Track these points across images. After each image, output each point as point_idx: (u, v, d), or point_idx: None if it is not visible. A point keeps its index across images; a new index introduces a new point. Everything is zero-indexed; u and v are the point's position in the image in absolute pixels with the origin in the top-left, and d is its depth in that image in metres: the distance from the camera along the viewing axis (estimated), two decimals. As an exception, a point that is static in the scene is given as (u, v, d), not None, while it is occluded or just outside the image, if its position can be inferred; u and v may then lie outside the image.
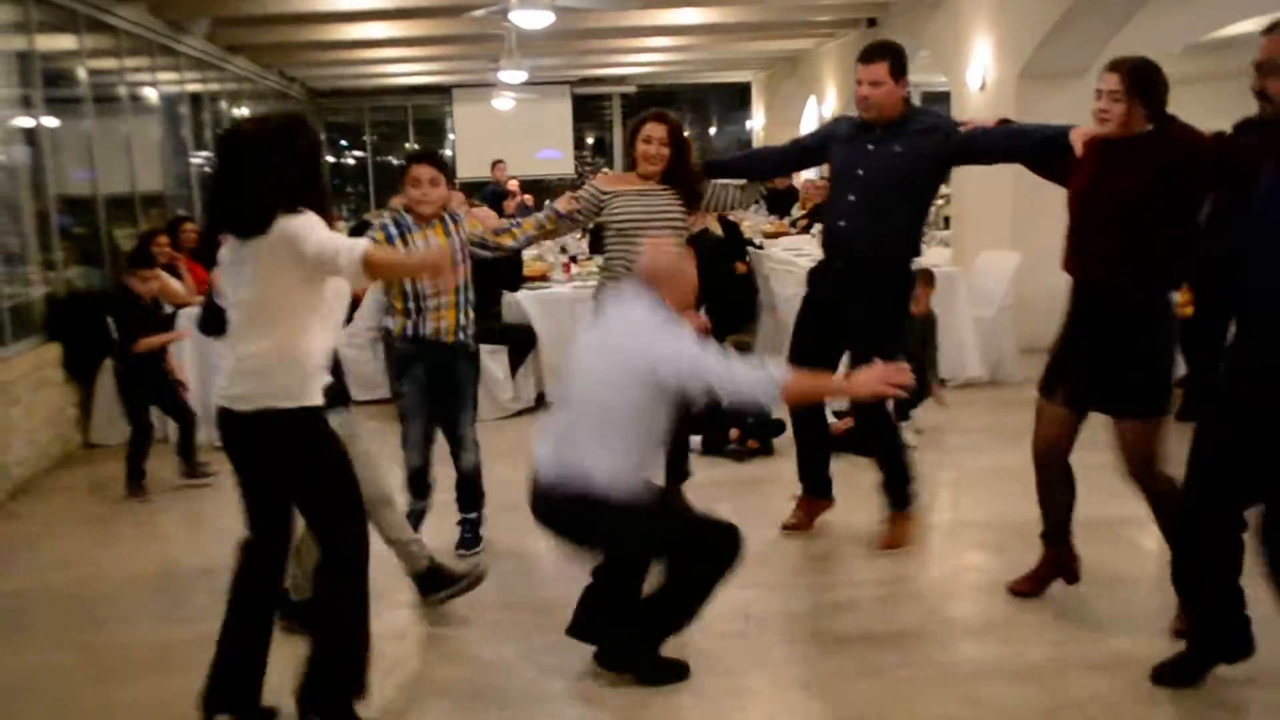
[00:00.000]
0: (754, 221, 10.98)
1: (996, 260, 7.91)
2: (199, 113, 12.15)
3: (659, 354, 3.29)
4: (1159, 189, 3.55)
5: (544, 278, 7.75)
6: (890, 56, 4.34)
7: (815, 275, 4.79)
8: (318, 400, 3.15)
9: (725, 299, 7.43)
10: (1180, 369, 7.08)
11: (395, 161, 21.62)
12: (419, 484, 4.74)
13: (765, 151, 5.44)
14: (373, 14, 11.35)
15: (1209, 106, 15.46)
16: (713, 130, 23.29)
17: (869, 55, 4.39)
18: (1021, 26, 8.50)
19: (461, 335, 4.52)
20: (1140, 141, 3.63)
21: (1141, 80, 3.62)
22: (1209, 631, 3.43)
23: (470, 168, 18.24)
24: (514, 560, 4.76)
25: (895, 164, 4.35)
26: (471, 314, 4.57)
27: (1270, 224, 3.11)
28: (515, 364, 7.14)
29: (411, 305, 4.42)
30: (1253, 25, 11.62)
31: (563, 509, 3.41)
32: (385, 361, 4.68)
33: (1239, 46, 13.94)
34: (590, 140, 21.90)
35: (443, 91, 20.27)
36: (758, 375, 3.26)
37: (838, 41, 14.08)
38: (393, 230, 4.39)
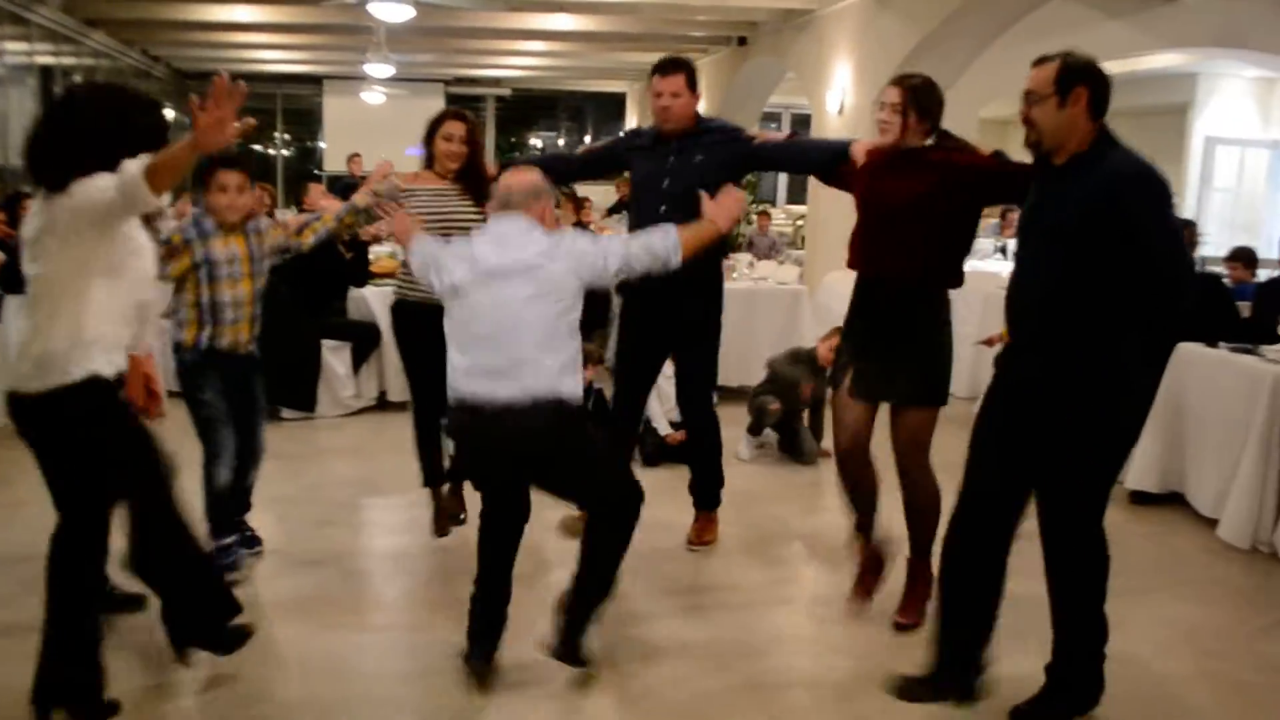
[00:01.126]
0: (618, 231, 11.05)
1: (844, 281, 8.06)
2: (50, 86, 11.69)
3: (592, 256, 3.50)
4: (934, 197, 3.82)
5: (393, 275, 7.63)
6: (686, 69, 4.53)
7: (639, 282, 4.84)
8: (105, 371, 3.06)
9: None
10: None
11: (260, 150, 21.14)
12: (239, 502, 4.44)
13: (564, 157, 5.47)
14: (237, -4, 11.10)
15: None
16: (588, 138, 23.33)
17: (666, 68, 4.52)
18: (880, 54, 8.74)
19: (253, 346, 4.32)
20: (918, 153, 3.90)
21: (920, 97, 3.90)
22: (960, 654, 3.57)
23: (338, 161, 17.89)
24: (360, 559, 4.70)
25: (699, 172, 4.45)
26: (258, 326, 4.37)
27: (1028, 242, 3.34)
28: (358, 361, 7.03)
29: (208, 317, 4.17)
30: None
31: (545, 433, 3.40)
32: (177, 374, 4.22)
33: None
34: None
35: (314, 81, 19.91)
36: (658, 236, 3.60)
37: (710, 58, 14.27)
38: (192, 233, 4.15)
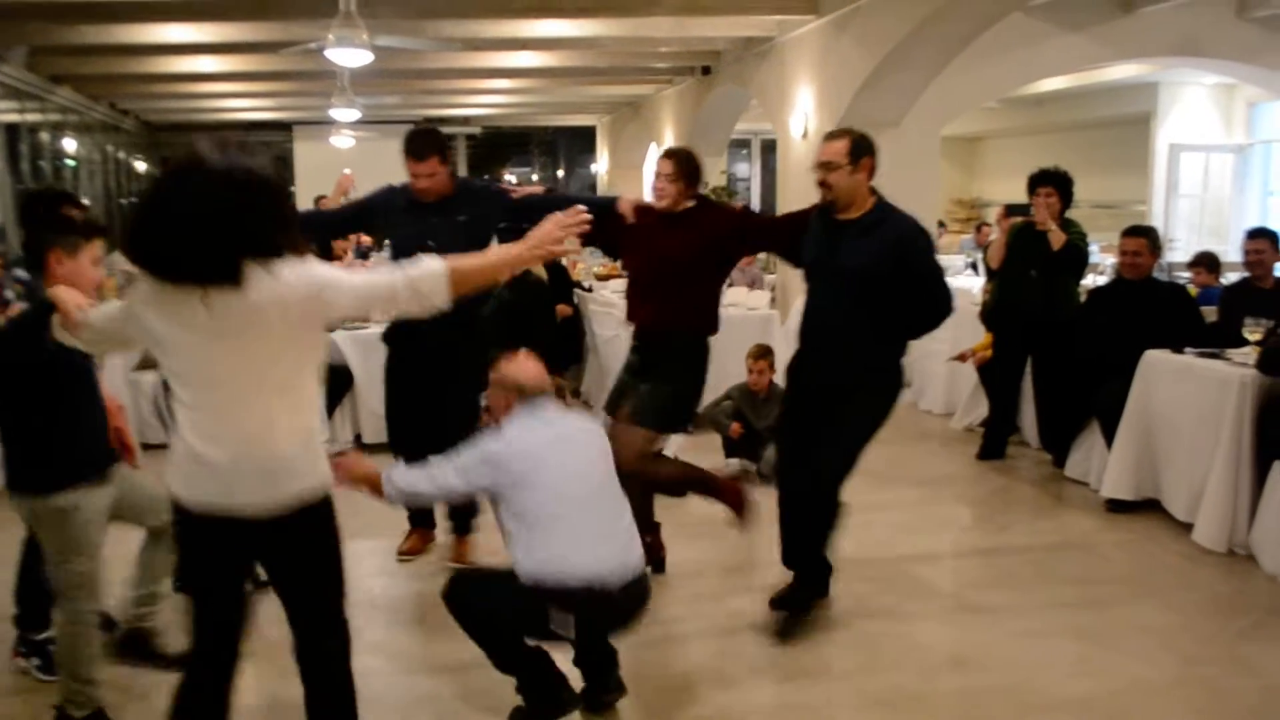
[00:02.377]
0: (587, 264, 11.07)
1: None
2: (16, 144, 11.68)
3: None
4: (700, 253, 4.39)
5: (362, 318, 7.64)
6: (438, 149, 4.69)
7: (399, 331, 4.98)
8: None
9: (546, 342, 7.45)
10: (977, 412, 7.44)
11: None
12: None
13: (314, 216, 5.51)
14: (201, 47, 11.10)
15: (1026, 157, 16.24)
16: (560, 173, 23.42)
17: (420, 152, 4.64)
18: (839, 78, 8.81)
19: None
20: (685, 215, 4.46)
21: (688, 165, 4.46)
22: (810, 578, 4.36)
23: (308, 204, 17.91)
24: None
25: (464, 230, 4.59)
26: None
27: (823, 281, 4.15)
28: (331, 404, 7.02)
29: None
30: (1060, 83, 12.34)
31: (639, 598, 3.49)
32: None
33: (1048, 103, 14.80)
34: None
35: (284, 128, 19.94)
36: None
37: (675, 88, 14.37)
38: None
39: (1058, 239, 6.20)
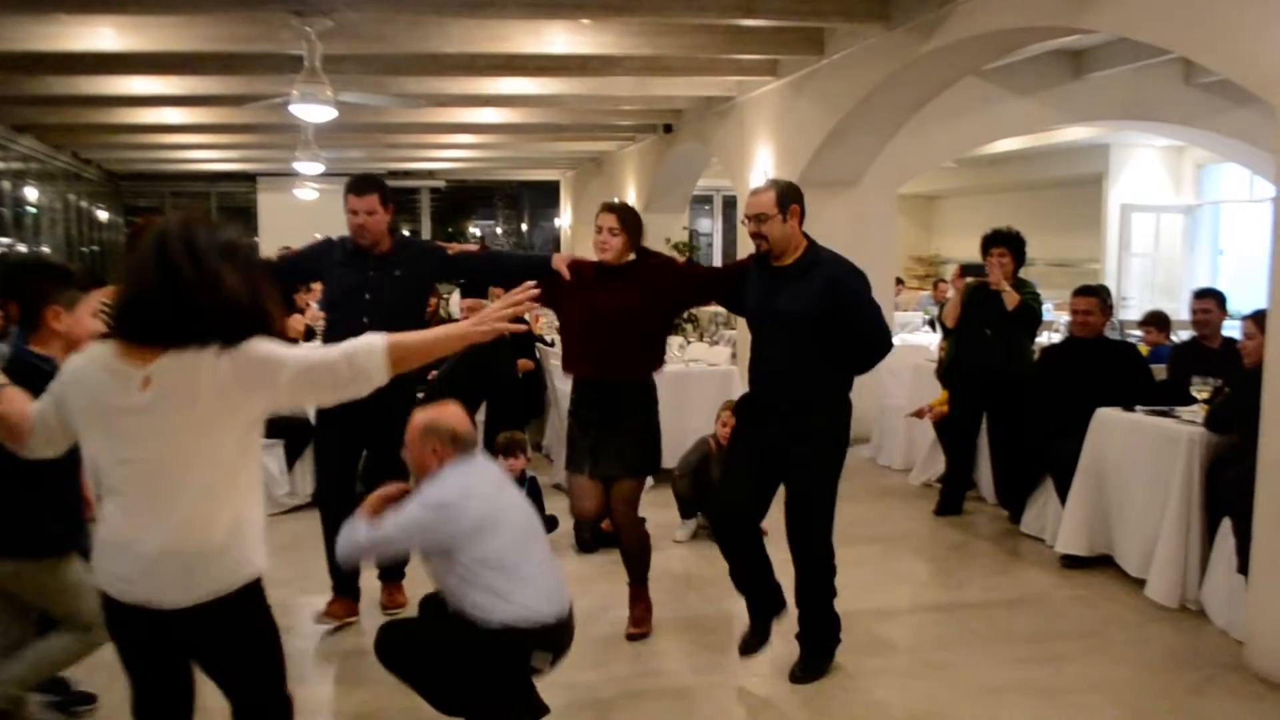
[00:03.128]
0: (549, 318, 11.09)
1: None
2: (-23, 193, 11.64)
3: None
4: (646, 305, 4.53)
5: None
6: (379, 189, 4.78)
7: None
8: None
9: (503, 396, 7.47)
10: (935, 468, 7.52)
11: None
12: None
13: (272, 263, 5.56)
14: (166, 99, 11.08)
15: (982, 215, 16.54)
16: (524, 226, 23.52)
17: (361, 188, 4.74)
18: (798, 137, 8.96)
19: None
20: (627, 268, 4.58)
21: (629, 219, 4.57)
22: (761, 608, 4.46)
23: (271, 254, 17.87)
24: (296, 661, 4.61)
25: (400, 285, 4.77)
26: None
27: (765, 326, 4.32)
28: (291, 458, 6.99)
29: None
30: (1015, 144, 12.60)
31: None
32: None
33: (1002, 164, 15.09)
34: (406, 232, 21.78)
35: (248, 179, 19.93)
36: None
37: (638, 145, 14.52)
38: None
39: (1011, 299, 6.32)
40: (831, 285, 4.11)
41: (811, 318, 4.11)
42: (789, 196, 4.17)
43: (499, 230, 23.94)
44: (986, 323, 6.50)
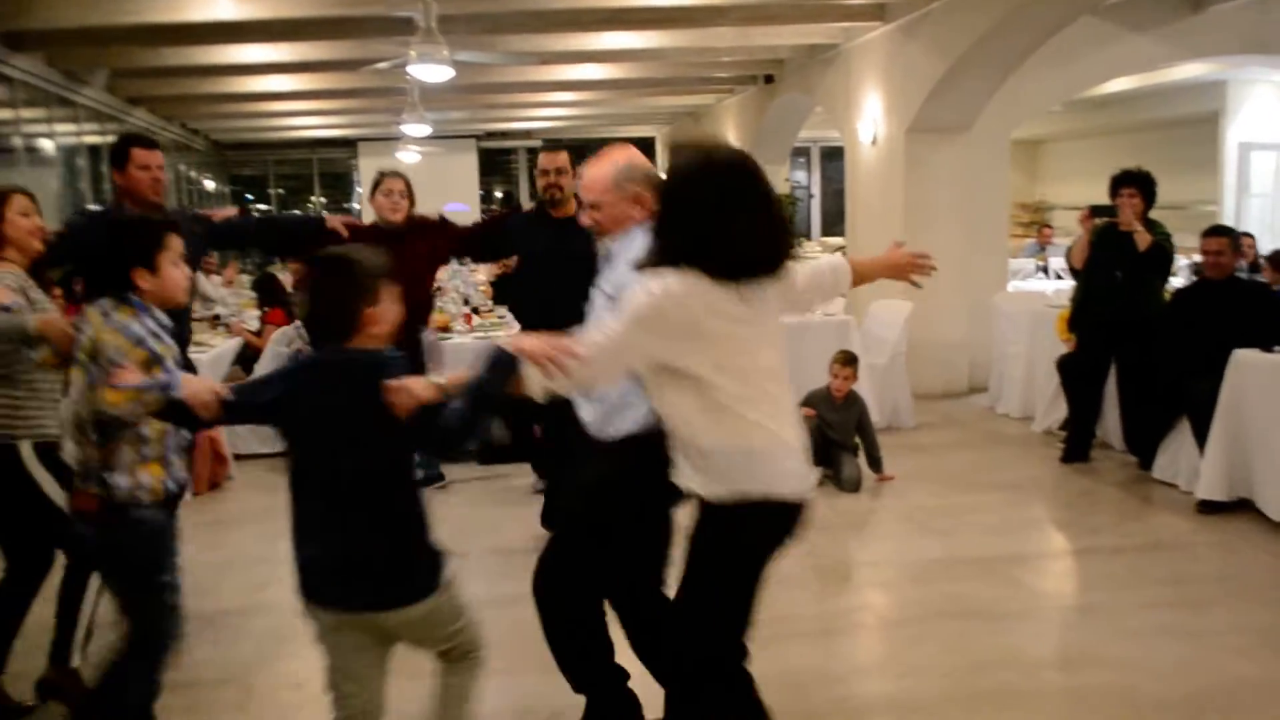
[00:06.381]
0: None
1: (888, 309, 8.14)
2: (98, 165, 11.98)
3: None
4: (424, 261, 5.68)
5: (445, 329, 7.78)
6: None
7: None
8: None
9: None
10: (1055, 415, 7.42)
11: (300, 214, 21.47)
12: None
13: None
14: (275, 67, 11.34)
15: (1089, 160, 16.12)
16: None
17: (153, 142, 4.58)
18: (908, 83, 8.82)
19: None
20: (399, 228, 5.67)
21: (410, 187, 5.85)
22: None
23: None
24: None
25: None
26: None
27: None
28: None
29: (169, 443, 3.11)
30: (1125, 84, 12.25)
31: None
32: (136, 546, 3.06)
33: (1113, 105, 14.67)
34: (499, 194, 21.98)
35: (349, 145, 20.26)
36: None
37: (737, 97, 14.43)
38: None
39: (1144, 240, 6.18)
40: None
41: None
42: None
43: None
44: (1117, 265, 6.37)
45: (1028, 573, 5.04)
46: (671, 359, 2.55)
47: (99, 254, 3.04)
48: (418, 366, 4.97)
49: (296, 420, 2.60)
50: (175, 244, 3.04)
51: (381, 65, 8.29)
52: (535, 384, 2.55)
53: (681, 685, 2.81)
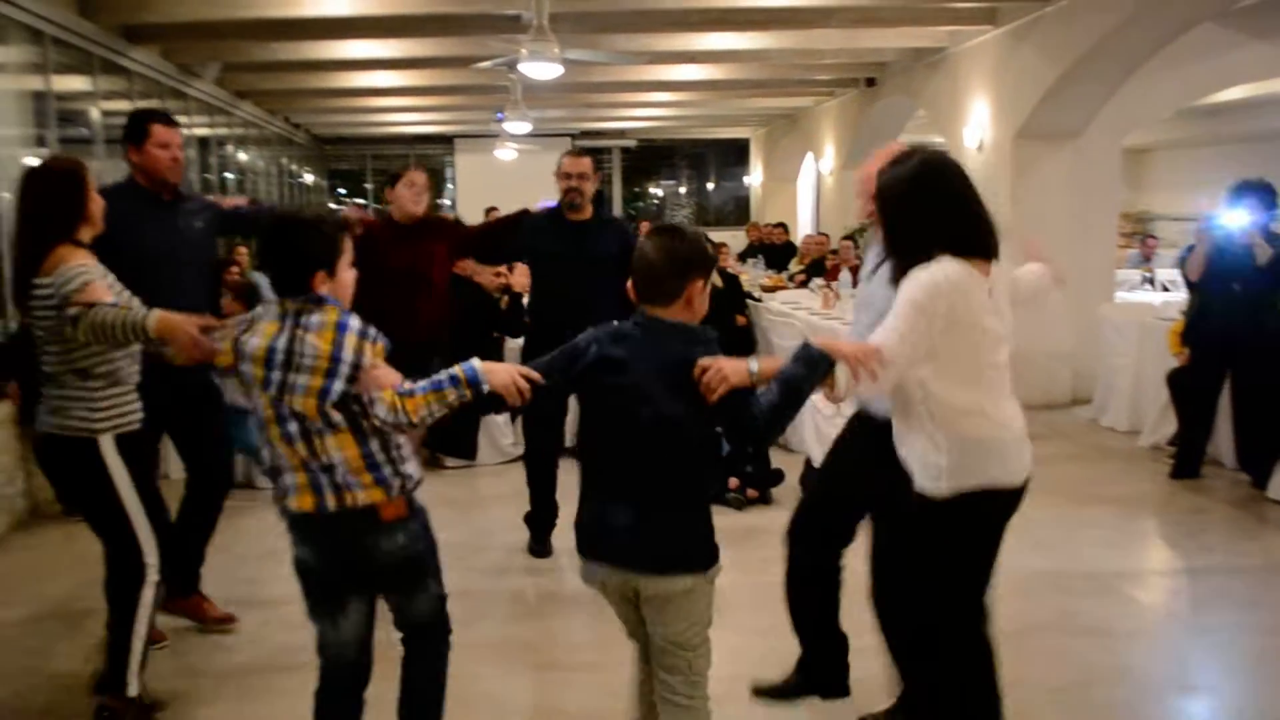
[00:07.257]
0: (753, 275, 11.13)
1: (1026, 271, 7.97)
2: (206, 156, 12.28)
3: None
4: (435, 261, 5.24)
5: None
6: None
7: None
8: None
9: (725, 349, 7.50)
10: (1164, 430, 7.22)
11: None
12: None
13: None
14: (381, 63, 11.52)
15: (1196, 170, 15.69)
16: (710, 185, 23.48)
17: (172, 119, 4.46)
18: (1019, 88, 8.67)
19: None
20: (410, 225, 5.21)
21: (430, 183, 5.32)
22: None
23: (469, 217, 18.34)
24: (546, 602, 4.82)
25: (194, 238, 4.45)
26: None
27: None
28: (516, 410, 7.19)
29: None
30: (1240, 93, 11.89)
31: None
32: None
33: (1225, 114, 14.25)
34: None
35: (445, 141, 20.50)
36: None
37: (837, 100, 14.30)
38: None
39: (1264, 252, 6.00)
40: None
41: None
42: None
43: (681, 190, 23.93)
44: (1234, 277, 6.19)
45: (1140, 589, 4.92)
46: (939, 347, 2.69)
47: (285, 258, 2.77)
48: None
49: (602, 389, 2.68)
50: (349, 247, 2.89)
51: (489, 64, 8.35)
52: (842, 385, 2.65)
53: (920, 647, 3.08)
